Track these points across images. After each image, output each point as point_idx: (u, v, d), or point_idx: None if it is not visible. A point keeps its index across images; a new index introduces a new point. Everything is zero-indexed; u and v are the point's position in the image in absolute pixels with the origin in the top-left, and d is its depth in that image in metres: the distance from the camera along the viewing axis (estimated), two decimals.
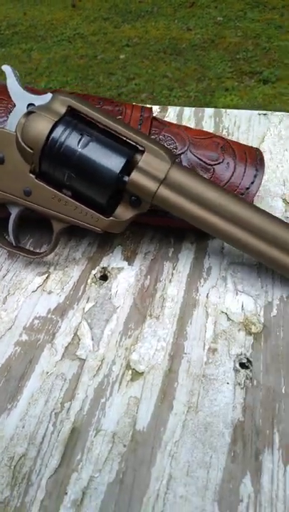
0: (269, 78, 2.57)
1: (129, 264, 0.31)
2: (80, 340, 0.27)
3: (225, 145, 0.32)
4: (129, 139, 0.27)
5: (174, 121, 0.44)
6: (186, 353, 0.26)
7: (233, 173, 0.31)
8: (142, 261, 0.32)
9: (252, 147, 0.32)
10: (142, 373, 0.25)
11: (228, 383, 0.25)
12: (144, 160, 0.27)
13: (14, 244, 0.30)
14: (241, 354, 0.26)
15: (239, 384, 0.25)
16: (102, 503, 0.21)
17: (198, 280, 0.30)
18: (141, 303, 0.29)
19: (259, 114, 0.43)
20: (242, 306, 0.28)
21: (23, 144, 0.27)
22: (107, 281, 0.30)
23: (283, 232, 0.26)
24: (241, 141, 0.40)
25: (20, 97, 0.28)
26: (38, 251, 0.31)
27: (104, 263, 0.32)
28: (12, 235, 0.30)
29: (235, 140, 0.40)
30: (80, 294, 0.30)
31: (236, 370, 0.25)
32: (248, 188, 0.31)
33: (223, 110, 0.45)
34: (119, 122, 0.28)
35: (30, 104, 0.28)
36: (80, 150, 0.26)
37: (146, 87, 2.49)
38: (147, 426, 0.23)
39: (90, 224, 0.28)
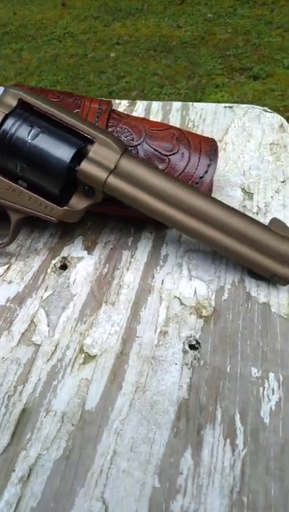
0: (259, 74, 2.58)
1: (88, 254, 0.32)
2: (36, 326, 0.28)
3: (180, 136, 0.33)
4: (80, 131, 0.28)
5: (142, 115, 0.45)
6: (138, 337, 0.27)
7: (187, 163, 0.32)
8: (102, 250, 0.32)
9: (207, 137, 0.33)
10: (95, 356, 0.26)
11: (176, 364, 0.26)
12: (94, 150, 0.27)
13: None
14: (191, 336, 0.27)
15: (186, 364, 0.26)
16: (47, 479, 0.22)
17: (154, 267, 0.31)
18: (98, 290, 0.30)
19: (225, 107, 0.44)
20: (195, 291, 0.29)
21: None
22: (67, 270, 0.31)
23: (233, 219, 0.27)
24: (206, 134, 0.41)
25: None
26: None
27: (64, 253, 0.32)
28: None
29: (200, 132, 0.41)
30: (39, 283, 0.30)
31: (185, 352, 0.26)
32: (202, 177, 0.32)
33: (190, 103, 0.46)
34: (70, 114, 0.28)
35: None
36: (30, 141, 0.27)
37: (137, 84, 2.49)
38: (96, 406, 0.24)
39: (44, 214, 0.29)
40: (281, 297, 0.28)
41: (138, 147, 0.33)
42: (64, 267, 0.32)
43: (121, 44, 2.80)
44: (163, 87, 2.48)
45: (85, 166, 0.27)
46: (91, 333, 0.27)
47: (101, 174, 0.27)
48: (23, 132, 0.27)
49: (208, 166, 0.32)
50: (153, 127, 0.33)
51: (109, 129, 0.33)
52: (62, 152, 0.27)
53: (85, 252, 0.32)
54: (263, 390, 0.24)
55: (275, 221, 0.29)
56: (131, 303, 0.29)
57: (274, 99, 2.37)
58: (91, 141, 0.28)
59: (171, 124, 0.42)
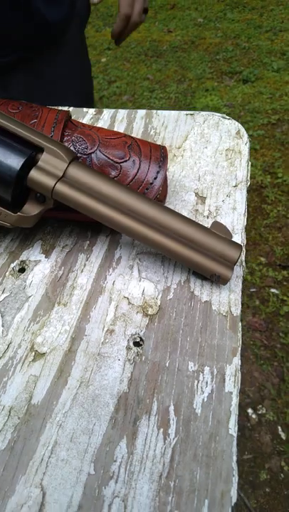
0: (248, 78, 2.60)
1: (46, 257, 0.34)
2: None
3: (132, 144, 0.34)
4: (30, 140, 0.30)
5: (108, 123, 0.46)
6: (86, 335, 0.29)
7: (138, 169, 0.34)
8: (59, 254, 0.34)
9: (158, 145, 0.35)
10: (44, 354, 0.28)
11: (119, 360, 0.27)
12: (42, 159, 0.29)
13: None
14: (135, 334, 0.28)
15: (129, 360, 0.27)
16: None
17: (107, 269, 0.33)
18: (52, 292, 0.31)
19: (186, 115, 0.46)
20: (143, 291, 0.31)
21: None
22: (24, 273, 0.33)
23: (176, 223, 0.29)
24: (167, 140, 0.43)
25: None
26: None
27: (23, 256, 0.34)
28: None
29: (161, 139, 0.42)
30: None
31: (129, 348, 0.28)
32: (151, 183, 0.33)
33: (154, 111, 0.47)
34: (21, 125, 0.30)
35: None
36: None
37: (128, 89, 2.52)
38: (42, 400, 0.26)
39: (0, 219, 0.30)
40: (222, 296, 0.30)
41: (92, 155, 0.34)
42: (22, 270, 0.33)
43: (112, 49, 2.83)
44: (153, 91, 2.50)
45: (33, 174, 0.29)
46: (42, 333, 0.29)
47: (49, 182, 0.29)
48: None
49: (158, 172, 0.33)
50: (106, 136, 0.35)
51: (65, 138, 0.35)
52: (13, 161, 0.29)
53: (43, 255, 0.34)
54: (198, 382, 0.26)
55: (216, 224, 0.31)
56: (82, 303, 0.31)
57: (263, 102, 2.39)
58: (41, 150, 0.30)
59: (134, 130, 0.44)
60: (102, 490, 0.22)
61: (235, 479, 0.22)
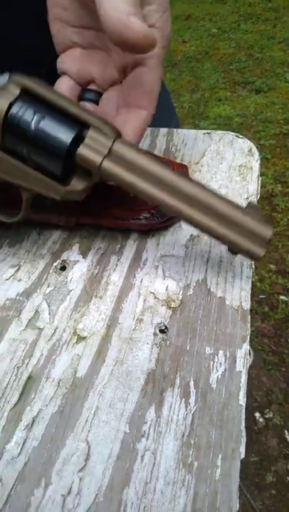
0: (261, 88, 2.64)
1: (83, 258, 0.39)
2: (40, 315, 0.35)
3: None
4: (77, 116, 0.30)
5: None
6: (119, 323, 0.34)
7: None
8: (94, 255, 0.40)
9: (181, 164, 0.41)
10: (85, 338, 0.33)
11: (147, 343, 0.33)
12: (89, 135, 0.30)
13: None
14: (161, 323, 0.34)
15: (156, 344, 0.33)
16: (46, 427, 0.29)
17: (136, 269, 0.38)
18: (90, 287, 0.37)
19: (204, 134, 0.52)
20: (167, 287, 0.36)
21: None
22: (65, 270, 0.39)
23: (215, 202, 0.30)
24: (186, 156, 0.49)
25: None
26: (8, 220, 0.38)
27: (64, 257, 0.40)
28: None
29: (181, 155, 0.48)
30: (42, 281, 0.38)
31: (155, 334, 0.33)
32: None
33: (175, 130, 0.53)
34: (69, 101, 0.31)
35: None
36: (33, 127, 0.30)
37: None
38: (84, 374, 0.31)
39: (49, 192, 0.32)
40: (234, 293, 0.35)
41: None
42: (63, 268, 0.39)
43: None
44: None
45: (81, 150, 0.29)
46: (83, 320, 0.35)
47: (96, 158, 0.30)
48: (27, 119, 0.30)
49: None
50: None
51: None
52: (62, 137, 0.30)
53: (81, 256, 0.40)
54: (213, 363, 0.31)
55: (251, 205, 0.32)
56: (115, 297, 0.36)
57: (275, 112, 2.43)
58: (87, 127, 0.30)
59: (157, 147, 0.50)
60: (135, 445, 0.28)
61: (243, 439, 0.27)
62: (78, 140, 0.30)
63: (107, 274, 0.38)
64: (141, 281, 0.37)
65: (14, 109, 0.30)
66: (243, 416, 0.29)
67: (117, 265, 0.39)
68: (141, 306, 0.35)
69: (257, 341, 1.55)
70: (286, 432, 1.35)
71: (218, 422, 0.28)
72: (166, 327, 0.34)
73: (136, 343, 0.33)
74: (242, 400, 0.29)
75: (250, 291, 0.36)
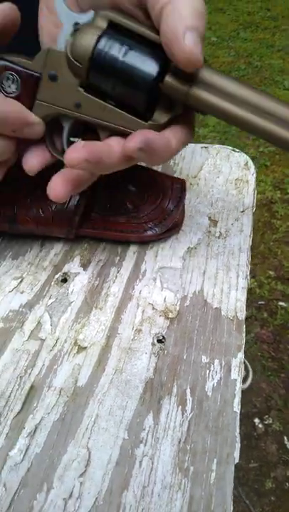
0: None
1: (84, 270, 0.41)
2: (42, 326, 0.37)
3: (156, 177, 0.42)
4: (159, 42, 0.29)
5: None
6: (118, 333, 0.36)
7: (160, 199, 0.41)
8: (95, 267, 0.41)
9: (178, 179, 0.42)
10: (85, 348, 0.35)
11: (146, 353, 0.34)
12: (174, 64, 0.29)
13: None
14: (159, 333, 0.35)
15: (154, 353, 0.34)
16: (48, 434, 0.30)
17: (135, 280, 0.40)
18: (90, 298, 0.39)
19: (201, 148, 0.53)
20: (164, 298, 0.38)
21: (72, 59, 0.29)
22: (66, 283, 0.40)
23: None
24: (184, 170, 0.50)
25: (66, 17, 0.30)
26: None
27: (65, 269, 0.41)
28: (66, 146, 0.33)
29: (180, 168, 0.50)
30: (45, 293, 0.39)
31: (153, 344, 0.35)
32: (172, 211, 0.40)
33: None
34: (153, 31, 0.30)
35: (75, 24, 0.30)
36: (120, 59, 0.29)
37: None
38: (85, 383, 0.33)
39: (131, 129, 0.31)
40: (230, 303, 0.37)
41: (124, 185, 0.42)
42: (65, 280, 0.40)
43: None
44: None
45: (169, 78, 0.28)
46: (83, 331, 0.36)
47: (184, 86, 0.29)
48: (115, 51, 0.29)
49: (178, 202, 0.41)
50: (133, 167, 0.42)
51: None
52: (150, 67, 0.28)
53: (81, 268, 0.41)
54: (209, 371, 0.32)
55: None
56: (115, 308, 0.37)
57: None
58: None
59: None
60: (134, 451, 0.29)
61: (237, 445, 0.29)
62: (163, 72, 0.29)
63: (107, 286, 0.39)
64: (140, 293, 0.39)
65: (101, 44, 0.29)
66: (238, 422, 0.30)
67: (116, 277, 0.40)
68: (140, 317, 0.37)
69: (256, 347, 1.56)
70: (285, 438, 1.36)
71: (213, 428, 0.30)
72: (163, 337, 0.35)
73: (135, 352, 0.34)
74: (236, 407, 0.30)
75: (245, 302, 0.37)
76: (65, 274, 0.41)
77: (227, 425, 0.30)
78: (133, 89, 0.30)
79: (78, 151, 0.29)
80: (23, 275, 0.41)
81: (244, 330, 0.35)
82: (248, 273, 0.39)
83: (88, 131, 0.33)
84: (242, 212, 0.45)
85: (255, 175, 0.49)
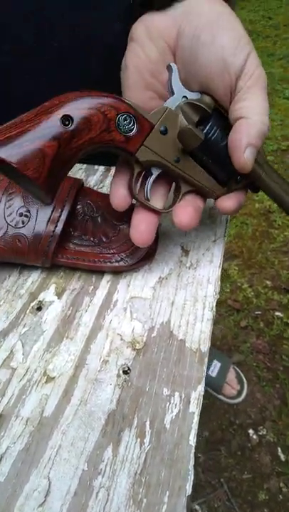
0: None
1: (58, 298, 0.43)
2: (14, 355, 0.38)
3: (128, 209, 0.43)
4: None
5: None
6: (86, 364, 0.37)
7: None
8: (69, 295, 0.43)
9: None
10: (54, 378, 0.36)
11: (110, 384, 0.36)
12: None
13: (148, 199, 0.39)
14: (124, 364, 0.37)
15: (118, 385, 0.35)
16: (13, 463, 0.32)
17: (106, 310, 0.41)
18: (62, 327, 0.40)
19: None
20: (133, 329, 0.39)
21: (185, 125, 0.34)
22: (41, 311, 0.42)
23: None
24: None
25: (179, 89, 0.35)
26: (163, 208, 0.40)
27: (41, 297, 0.43)
28: (149, 193, 0.39)
29: None
30: (19, 321, 0.41)
31: (118, 376, 0.36)
32: None
33: None
34: None
35: (184, 96, 0.35)
36: (222, 144, 0.36)
37: None
38: (51, 413, 0.34)
39: (211, 189, 0.39)
40: (195, 335, 0.38)
41: (98, 217, 0.43)
42: (39, 308, 0.42)
43: None
44: None
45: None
46: (53, 361, 0.38)
47: (259, 170, 0.37)
48: (218, 135, 0.36)
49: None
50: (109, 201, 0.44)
51: (78, 203, 0.44)
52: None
53: (56, 297, 0.43)
54: (169, 404, 0.34)
55: None
56: (85, 338, 0.39)
57: (273, 128, 2.47)
58: None
59: None
60: (92, 482, 0.30)
61: (190, 477, 0.30)
62: None
63: (79, 315, 0.41)
64: (110, 323, 0.40)
65: (209, 122, 0.36)
66: (192, 455, 0.31)
67: (89, 306, 0.42)
68: (108, 348, 0.38)
69: (252, 357, 1.57)
70: (279, 449, 1.36)
71: (168, 460, 0.31)
72: (129, 368, 0.37)
73: (100, 384, 0.36)
74: (192, 440, 0.32)
75: (209, 333, 0.39)
76: (40, 302, 0.42)
77: (182, 458, 0.31)
78: (223, 168, 0.37)
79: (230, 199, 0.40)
80: (0, 303, 0.43)
81: (206, 362, 0.36)
82: (214, 304, 0.40)
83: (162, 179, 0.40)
84: (213, 241, 0.46)
85: None
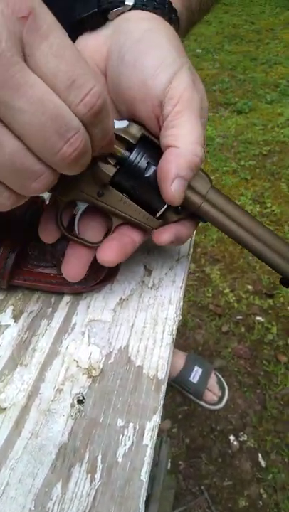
0: (242, 109, 2.69)
1: (15, 322, 0.41)
2: None
3: None
4: None
5: None
6: (40, 393, 0.36)
7: None
8: (26, 319, 0.41)
9: None
10: (5, 409, 0.35)
11: (63, 415, 0.34)
12: (193, 179, 0.34)
13: (78, 234, 0.38)
14: (79, 393, 0.36)
15: (71, 416, 0.34)
16: None
17: (64, 334, 0.40)
18: (17, 353, 0.39)
19: None
20: (90, 355, 0.38)
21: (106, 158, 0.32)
22: None
23: (276, 241, 0.36)
24: None
25: None
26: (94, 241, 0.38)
27: None
28: (76, 227, 0.37)
29: None
30: None
31: (72, 406, 0.35)
32: None
33: None
34: None
35: None
36: (146, 175, 0.34)
37: None
38: (0, 448, 0.33)
39: (143, 223, 0.36)
40: (153, 361, 0.37)
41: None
42: None
43: None
44: None
45: (187, 192, 0.34)
46: (5, 390, 0.36)
47: (197, 200, 0.35)
48: (142, 165, 0.33)
49: None
50: None
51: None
52: None
53: (13, 320, 0.41)
54: (122, 436, 0.33)
55: None
56: (40, 365, 0.38)
57: (255, 133, 2.48)
58: None
59: None
60: None
61: None
62: None
63: (35, 340, 0.40)
64: (66, 348, 0.39)
65: (135, 153, 0.33)
66: (144, 492, 0.30)
67: (46, 330, 0.40)
68: (63, 375, 0.37)
69: (233, 363, 1.57)
70: (260, 455, 1.36)
71: (118, 497, 0.30)
72: (83, 397, 0.35)
73: (53, 415, 0.34)
74: (144, 475, 0.31)
75: (168, 359, 0.38)
76: None
77: (132, 494, 0.30)
78: (150, 198, 0.35)
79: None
80: None
81: (163, 390, 0.35)
82: (175, 327, 0.39)
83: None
84: (177, 260, 0.45)
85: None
